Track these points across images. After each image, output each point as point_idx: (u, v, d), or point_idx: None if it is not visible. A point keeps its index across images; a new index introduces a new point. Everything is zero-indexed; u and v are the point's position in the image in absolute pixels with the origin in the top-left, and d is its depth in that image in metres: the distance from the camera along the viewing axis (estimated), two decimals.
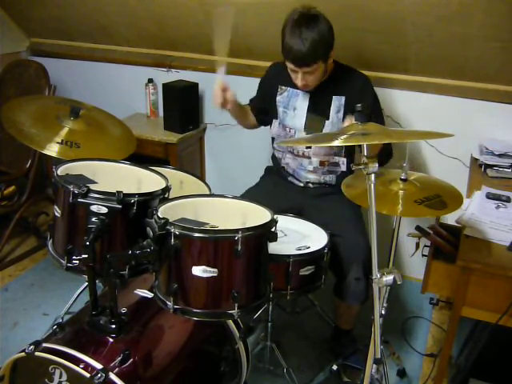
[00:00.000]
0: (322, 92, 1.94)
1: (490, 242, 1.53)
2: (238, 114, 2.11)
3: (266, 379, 1.98)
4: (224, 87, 1.87)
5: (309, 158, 2.03)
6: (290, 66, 1.82)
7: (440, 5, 1.91)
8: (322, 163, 2.04)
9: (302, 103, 1.99)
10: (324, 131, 1.97)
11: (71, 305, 2.05)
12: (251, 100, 2.20)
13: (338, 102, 1.94)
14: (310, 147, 2.01)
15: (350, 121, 1.67)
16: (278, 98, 2.05)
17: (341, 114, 1.95)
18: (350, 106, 1.87)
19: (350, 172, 1.94)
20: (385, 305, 1.65)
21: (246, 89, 2.16)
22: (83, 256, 1.26)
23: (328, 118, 1.96)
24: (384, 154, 1.84)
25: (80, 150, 1.72)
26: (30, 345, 1.27)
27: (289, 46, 1.75)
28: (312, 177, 2.07)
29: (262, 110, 2.16)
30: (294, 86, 1.96)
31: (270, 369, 1.98)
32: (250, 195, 2.05)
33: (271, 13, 2.20)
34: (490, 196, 1.79)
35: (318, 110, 1.97)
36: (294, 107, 2.01)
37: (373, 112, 1.90)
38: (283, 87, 2.03)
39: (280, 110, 2.05)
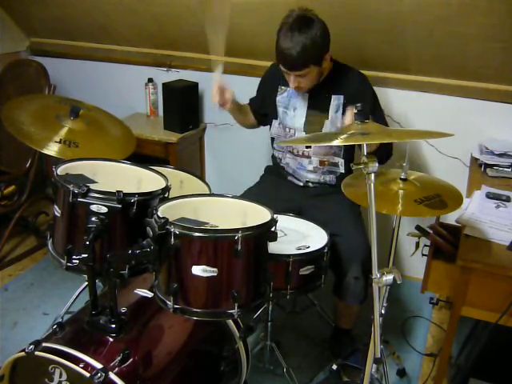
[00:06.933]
0: (321, 91, 1.94)
1: (490, 241, 1.53)
2: (237, 113, 2.12)
3: (266, 379, 1.98)
4: (222, 87, 1.87)
5: (309, 157, 2.03)
6: (282, 68, 1.83)
7: (440, 5, 1.91)
8: (321, 163, 2.04)
9: (301, 103, 1.99)
10: (323, 130, 1.97)
11: (71, 304, 2.05)
12: (251, 99, 2.20)
13: (337, 101, 1.94)
14: (309, 146, 2.01)
15: (351, 113, 1.63)
16: (278, 97, 2.05)
17: (340, 113, 1.94)
18: (349, 105, 1.85)
19: (349, 173, 1.93)
20: (385, 304, 1.65)
21: (246, 89, 2.16)
22: (83, 256, 1.27)
23: (327, 117, 1.96)
24: (384, 153, 1.84)
25: (78, 150, 1.71)
26: (30, 344, 1.27)
27: (280, 50, 1.76)
28: (312, 176, 2.07)
29: (262, 111, 2.16)
30: None
31: (270, 368, 1.98)
32: (251, 195, 2.05)
33: (271, 13, 2.19)
34: (489, 195, 1.79)
35: (317, 109, 1.97)
36: (295, 107, 2.01)
37: (373, 110, 1.91)
38: (283, 87, 2.03)
39: (280, 110, 2.05)
